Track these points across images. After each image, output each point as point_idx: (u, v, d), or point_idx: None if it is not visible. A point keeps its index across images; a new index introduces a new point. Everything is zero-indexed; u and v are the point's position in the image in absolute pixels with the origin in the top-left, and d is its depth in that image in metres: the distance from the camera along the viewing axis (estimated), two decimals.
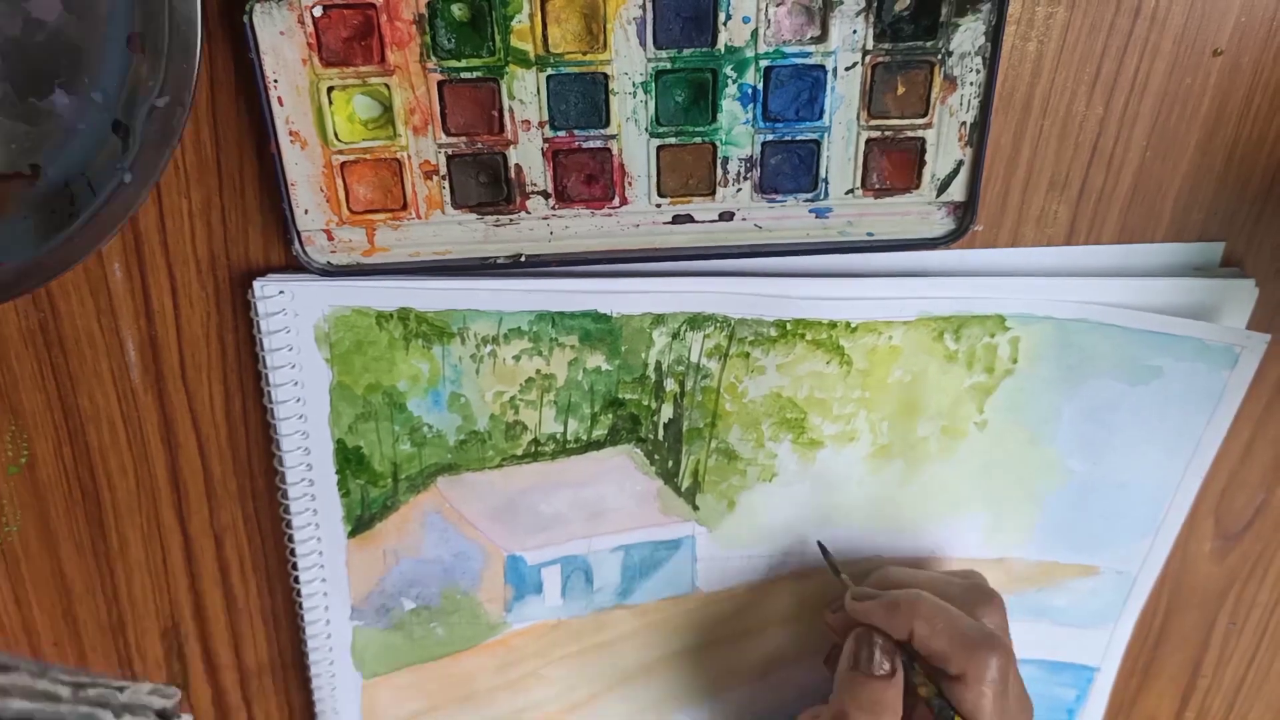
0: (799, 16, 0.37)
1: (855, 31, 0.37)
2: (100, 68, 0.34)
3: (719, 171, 0.40)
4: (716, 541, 0.48)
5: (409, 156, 0.38)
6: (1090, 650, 0.54)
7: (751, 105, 0.38)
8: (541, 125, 0.38)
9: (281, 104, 0.36)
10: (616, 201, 0.40)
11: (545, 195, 0.39)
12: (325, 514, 0.45)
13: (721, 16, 0.36)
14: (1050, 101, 0.41)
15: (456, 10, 0.36)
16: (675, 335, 0.43)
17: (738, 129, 0.39)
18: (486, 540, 0.47)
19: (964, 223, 0.41)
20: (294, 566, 0.45)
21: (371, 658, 0.49)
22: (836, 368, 0.44)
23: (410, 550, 0.46)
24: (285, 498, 0.44)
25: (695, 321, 0.43)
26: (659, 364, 0.44)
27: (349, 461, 0.44)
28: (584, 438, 0.45)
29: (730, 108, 0.38)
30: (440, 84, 0.37)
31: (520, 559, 0.47)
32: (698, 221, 0.41)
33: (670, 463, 0.46)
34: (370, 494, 0.45)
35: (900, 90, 0.39)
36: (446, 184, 0.39)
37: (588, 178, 0.39)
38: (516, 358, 0.43)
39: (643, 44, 0.37)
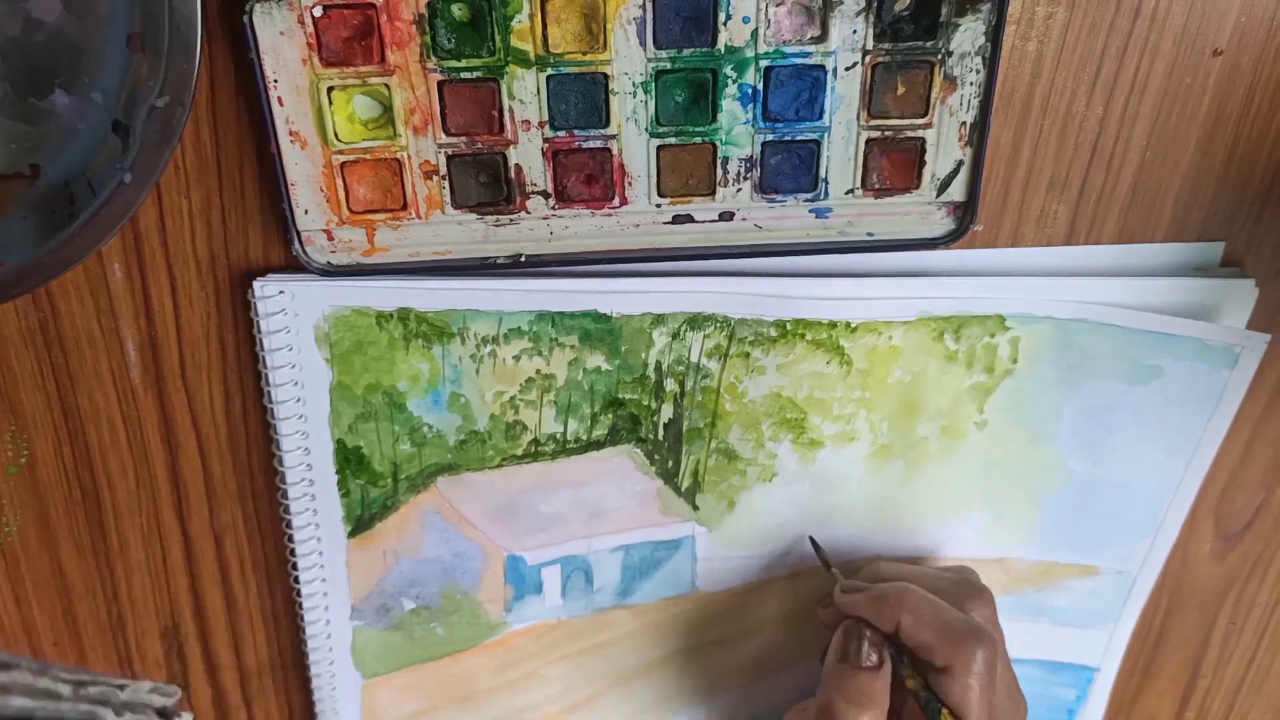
0: (799, 16, 0.37)
1: (855, 31, 0.37)
2: (100, 68, 0.34)
3: (719, 171, 0.40)
4: (716, 541, 0.48)
5: (409, 156, 0.38)
6: (1090, 650, 0.54)
7: (751, 105, 0.38)
8: (541, 125, 0.38)
9: (281, 104, 0.36)
10: (616, 201, 0.40)
11: (545, 195, 0.39)
12: (325, 514, 0.45)
13: (721, 16, 0.36)
14: (1050, 101, 0.41)
15: (456, 10, 0.36)
16: (675, 335, 0.43)
17: (738, 129, 0.39)
18: (486, 540, 0.47)
19: (964, 223, 0.41)
20: (294, 566, 0.45)
21: (371, 658, 0.49)
22: (836, 368, 0.44)
23: (410, 550, 0.46)
24: (285, 498, 0.44)
25: (695, 321, 0.43)
26: (659, 364, 0.44)
27: (349, 461, 0.44)
28: (584, 438, 0.45)
29: (730, 108, 0.38)
30: (440, 84, 0.37)
31: (520, 559, 0.47)
32: (698, 221, 0.41)
33: (670, 463, 0.46)
34: (370, 494, 0.45)
35: (900, 90, 0.39)
36: (446, 184, 0.39)
37: (588, 178, 0.39)
38: (516, 358, 0.43)
39: (643, 44, 0.37)
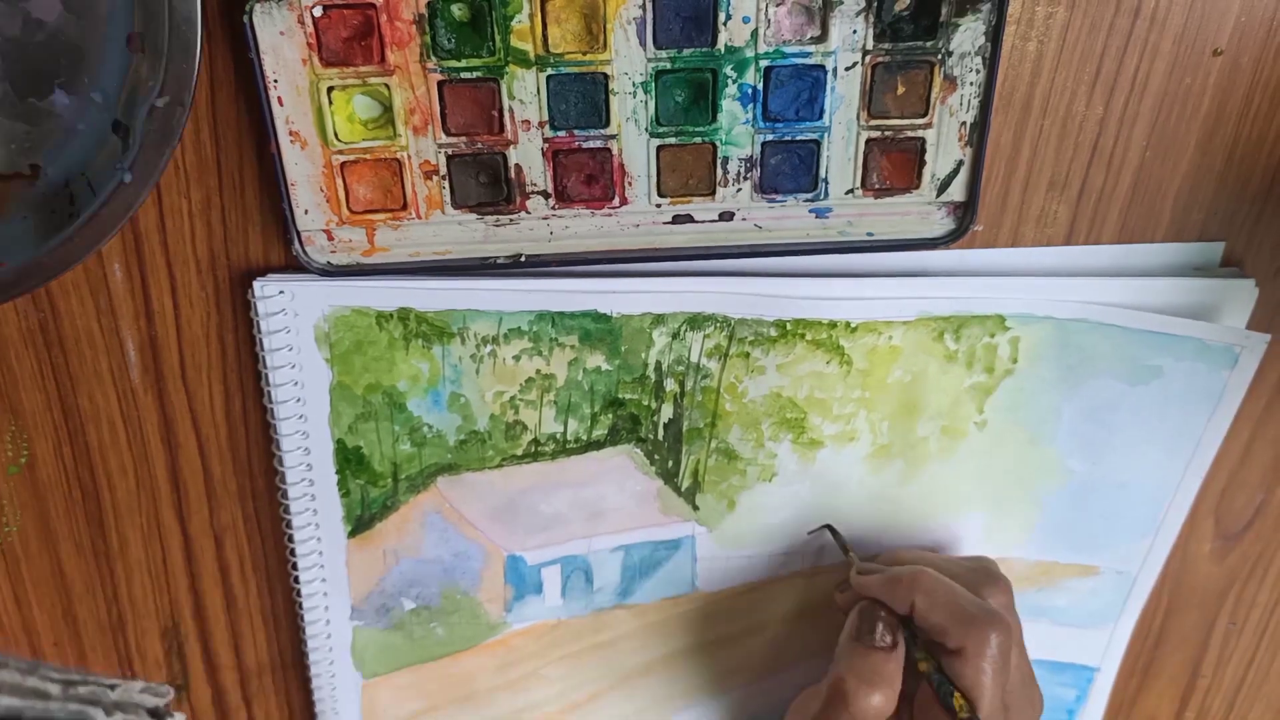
0: (799, 16, 0.37)
1: (855, 31, 0.37)
2: (100, 68, 0.34)
3: (719, 171, 0.40)
4: (716, 541, 0.48)
5: (409, 156, 0.38)
6: (1090, 650, 0.54)
7: (751, 105, 0.38)
8: (541, 125, 0.38)
9: (281, 104, 0.36)
10: (616, 201, 0.40)
11: (545, 195, 0.39)
12: (325, 514, 0.45)
13: (721, 16, 0.36)
14: (1050, 101, 0.41)
15: (456, 10, 0.36)
16: (675, 335, 0.43)
17: (738, 129, 0.39)
18: (486, 540, 0.47)
19: (964, 223, 0.41)
20: (294, 566, 0.45)
21: (371, 658, 0.49)
22: (836, 368, 0.44)
23: (410, 550, 0.46)
24: (285, 498, 0.44)
25: (695, 321, 0.43)
26: (659, 364, 0.44)
27: (349, 461, 0.44)
28: (584, 438, 0.45)
29: (730, 108, 0.38)
30: (440, 84, 0.37)
31: (520, 559, 0.47)
32: (698, 221, 0.41)
33: (670, 463, 0.46)
34: (370, 494, 0.45)
35: (900, 90, 0.39)
36: (446, 184, 0.39)
37: (588, 178, 0.39)
38: (516, 358, 0.43)
39: (643, 44, 0.37)
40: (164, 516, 0.45)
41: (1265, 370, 0.47)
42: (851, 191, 0.41)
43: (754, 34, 0.37)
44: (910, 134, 0.40)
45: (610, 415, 0.45)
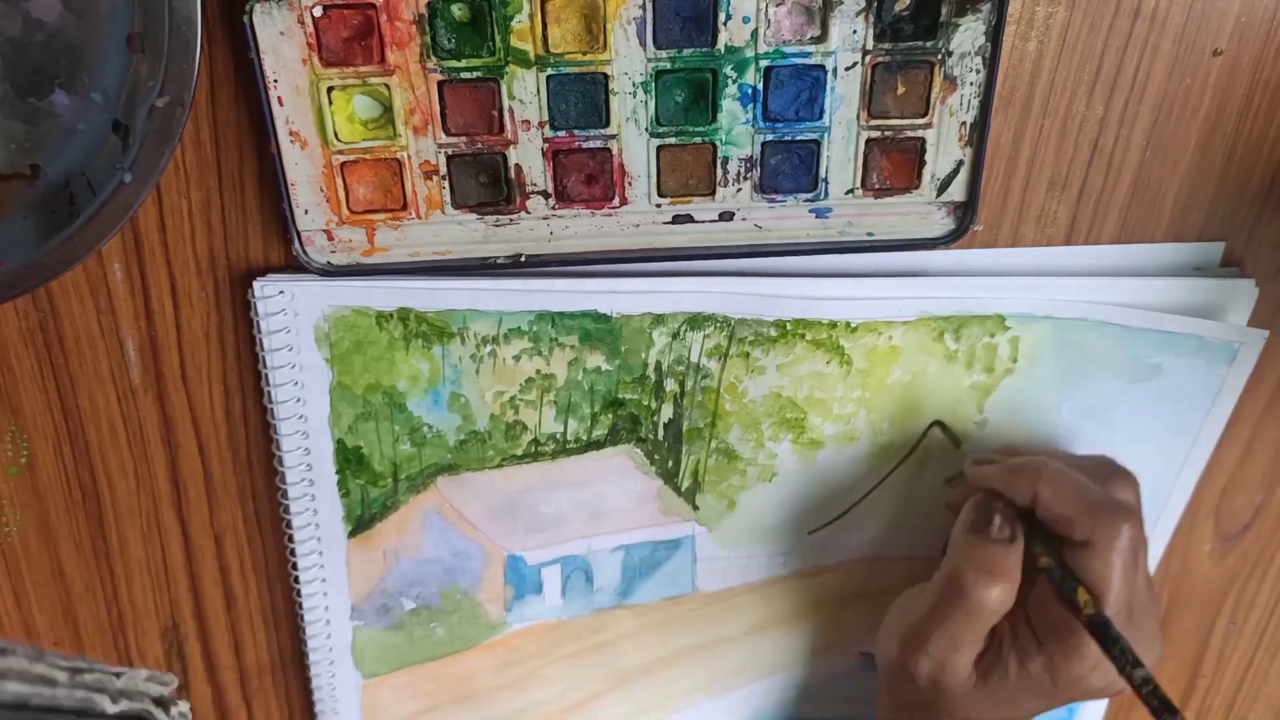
0: (799, 16, 0.37)
1: (855, 31, 0.37)
2: (100, 68, 0.34)
3: (719, 171, 0.40)
4: (716, 541, 0.48)
5: (409, 156, 0.38)
6: None
7: (751, 105, 0.38)
8: (541, 125, 0.38)
9: (281, 104, 0.36)
10: (616, 201, 0.40)
11: (545, 195, 0.39)
12: (325, 514, 0.45)
13: (721, 16, 0.36)
14: (1050, 101, 0.41)
15: (456, 10, 0.36)
16: (675, 335, 0.43)
17: (738, 129, 0.39)
18: (486, 540, 0.47)
19: (964, 223, 0.41)
20: (294, 566, 0.45)
21: (371, 658, 0.49)
22: (836, 368, 0.44)
23: (410, 550, 0.46)
24: (285, 498, 0.44)
25: (695, 321, 0.43)
26: (659, 364, 0.44)
27: (349, 461, 0.44)
28: (584, 438, 0.45)
29: (730, 108, 0.38)
30: (440, 84, 0.37)
31: (520, 559, 0.47)
32: (698, 221, 0.41)
33: (670, 463, 0.46)
34: (370, 494, 0.45)
35: (900, 90, 0.39)
36: (446, 184, 0.39)
37: (588, 178, 0.39)
38: (516, 358, 0.43)
39: (643, 44, 0.37)
40: (164, 516, 0.45)
41: (1265, 371, 0.47)
42: (851, 191, 0.41)
43: (754, 34, 0.37)
44: (910, 134, 0.40)
45: (610, 415, 0.45)
